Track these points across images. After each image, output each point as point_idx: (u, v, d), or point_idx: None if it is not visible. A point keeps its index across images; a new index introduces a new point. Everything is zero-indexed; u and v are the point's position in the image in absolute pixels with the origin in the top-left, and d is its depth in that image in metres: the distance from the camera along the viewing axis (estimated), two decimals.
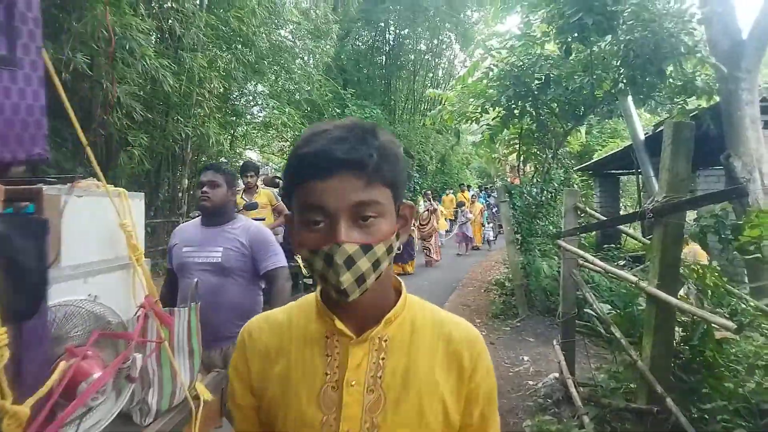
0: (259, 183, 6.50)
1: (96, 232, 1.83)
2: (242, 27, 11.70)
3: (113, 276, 1.90)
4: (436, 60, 25.95)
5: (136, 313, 1.80)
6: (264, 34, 12.83)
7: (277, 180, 7.56)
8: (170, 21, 10.12)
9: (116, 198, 1.91)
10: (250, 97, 15.24)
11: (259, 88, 15.40)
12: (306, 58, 17.50)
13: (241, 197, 6.03)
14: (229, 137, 14.23)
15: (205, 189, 2.72)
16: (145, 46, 8.53)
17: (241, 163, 7.79)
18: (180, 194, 11.59)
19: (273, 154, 20.88)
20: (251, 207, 5.87)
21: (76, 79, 7.87)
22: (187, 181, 11.64)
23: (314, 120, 19.55)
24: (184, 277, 2.68)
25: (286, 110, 14.92)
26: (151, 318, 1.82)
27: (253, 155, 18.71)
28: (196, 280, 2.34)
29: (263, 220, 5.82)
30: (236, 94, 14.26)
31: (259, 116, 16.15)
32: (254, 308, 2.79)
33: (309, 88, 17.17)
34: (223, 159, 12.89)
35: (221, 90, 12.02)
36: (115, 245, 1.91)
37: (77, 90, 8.35)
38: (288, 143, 20.61)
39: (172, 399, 1.90)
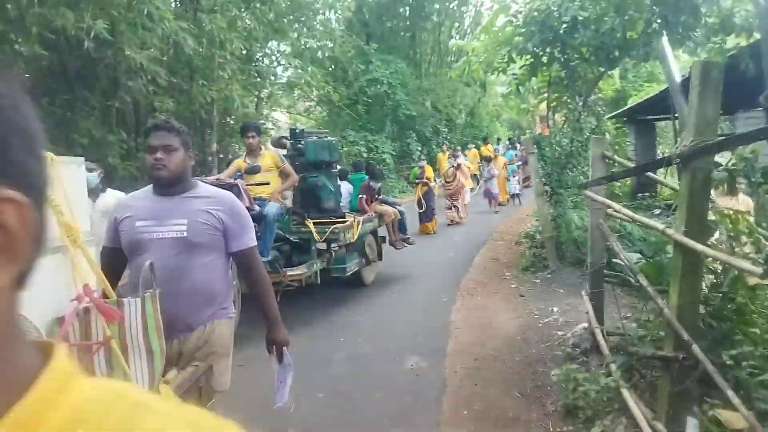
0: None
1: None
2: None
3: (42, 262, 1.56)
4: (462, 8, 25.16)
5: (79, 308, 1.51)
6: None
7: (284, 140, 7.15)
8: None
9: None
10: (273, 57, 15.11)
11: (282, 47, 15.23)
12: (327, 13, 17.19)
13: (243, 160, 5.68)
14: (255, 99, 14.22)
15: (158, 155, 2.20)
16: (164, 10, 8.48)
17: (269, 128, 7.65)
18: (210, 158, 11.73)
19: (299, 114, 20.81)
20: (253, 170, 5.46)
21: (99, 46, 7.91)
22: (215, 144, 11.75)
23: (338, 78, 19.37)
24: (137, 257, 2.22)
25: (309, 69, 14.75)
26: (94, 313, 1.53)
27: (279, 116, 18.70)
28: (149, 261, 1.96)
29: (268, 184, 5.50)
30: (259, 55, 14.15)
31: (283, 76, 16.04)
32: (227, 292, 2.44)
33: (332, 45, 16.91)
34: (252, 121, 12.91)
35: (243, 51, 11.94)
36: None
37: (102, 57, 8.41)
38: (314, 103, 20.52)
39: None
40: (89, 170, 4.56)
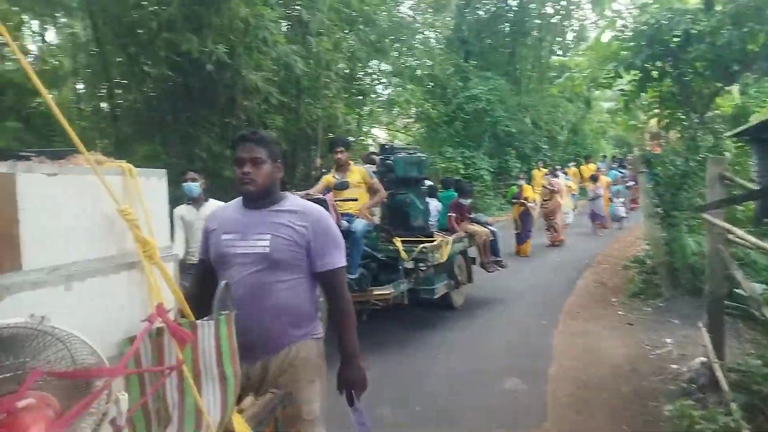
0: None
1: (86, 222, 1.43)
2: (363, 7, 11.95)
3: (115, 279, 1.50)
4: (564, 23, 24.52)
5: (151, 329, 1.42)
6: (385, 12, 13.00)
7: (374, 156, 6.96)
8: (297, 8, 10.62)
9: (116, 177, 1.51)
10: (374, 76, 15.57)
11: (383, 66, 15.66)
12: (426, 32, 17.44)
13: (332, 175, 5.63)
14: (356, 116, 14.71)
15: (246, 169, 2.10)
16: (276, 34, 9.06)
17: (369, 143, 7.65)
18: (314, 172, 12.27)
19: (398, 131, 21.20)
20: (342, 186, 5.40)
21: (219, 68, 8.57)
22: (319, 160, 12.28)
23: (436, 95, 19.54)
24: (222, 272, 2.15)
25: (409, 87, 15.04)
26: (167, 334, 1.46)
27: (379, 133, 19.17)
28: (225, 282, 1.84)
29: (356, 200, 5.42)
30: (361, 74, 14.64)
31: (384, 95, 16.47)
32: (312, 313, 2.24)
33: (431, 63, 17.12)
34: (350, 138, 13.37)
35: (347, 71, 12.44)
36: (120, 239, 1.50)
37: (221, 78, 9.09)
38: (413, 119, 20.83)
39: None
40: (192, 180, 4.89)
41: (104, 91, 10.65)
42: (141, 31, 9.12)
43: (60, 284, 1.32)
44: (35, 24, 11.27)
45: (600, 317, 6.36)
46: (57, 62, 11.14)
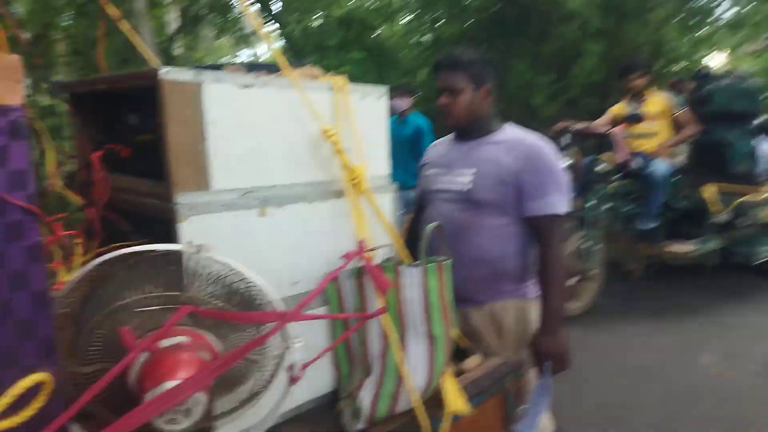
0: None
1: (287, 142, 1.28)
2: None
3: (318, 207, 1.33)
4: None
5: (352, 265, 1.27)
6: None
7: (684, 84, 5.82)
8: None
9: (326, 94, 1.34)
10: None
11: None
12: None
13: (624, 106, 4.90)
14: (688, 41, 12.82)
15: (443, 100, 1.85)
16: None
17: (698, 71, 6.20)
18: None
19: (744, 57, 17.70)
20: (635, 119, 4.63)
21: None
22: None
23: None
24: (428, 210, 1.95)
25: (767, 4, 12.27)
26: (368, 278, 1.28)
27: (717, 58, 16.32)
28: (435, 223, 1.59)
29: (654, 135, 4.66)
30: None
31: (723, 18, 13.84)
32: (523, 268, 1.86)
33: None
34: (677, 65, 11.76)
35: None
36: (328, 163, 1.35)
37: (536, 6, 8.96)
38: (765, 45, 17.03)
39: (393, 404, 1.28)
40: None
41: (428, 24, 11.51)
42: None
43: (253, 208, 1.20)
44: None
45: None
46: None
